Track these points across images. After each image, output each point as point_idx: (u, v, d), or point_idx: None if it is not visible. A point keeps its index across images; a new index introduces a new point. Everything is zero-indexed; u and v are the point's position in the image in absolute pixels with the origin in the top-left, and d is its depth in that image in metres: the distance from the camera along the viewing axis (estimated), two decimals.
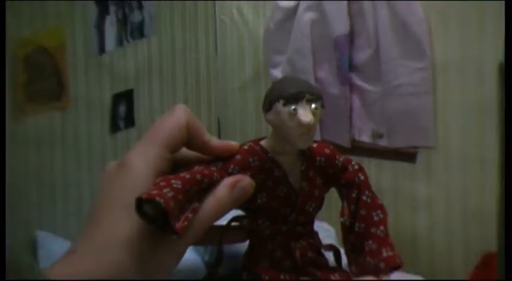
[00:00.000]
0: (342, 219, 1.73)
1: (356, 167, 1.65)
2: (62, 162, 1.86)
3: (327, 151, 1.72)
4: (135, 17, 1.92)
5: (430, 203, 1.87)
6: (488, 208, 1.54)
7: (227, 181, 1.66)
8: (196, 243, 1.69)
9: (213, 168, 1.66)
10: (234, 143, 1.76)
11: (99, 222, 1.67)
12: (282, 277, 1.69)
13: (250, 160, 1.68)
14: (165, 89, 2.03)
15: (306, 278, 1.69)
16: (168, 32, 1.99)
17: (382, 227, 1.72)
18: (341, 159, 1.73)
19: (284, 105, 1.65)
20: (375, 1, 1.82)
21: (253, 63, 2.05)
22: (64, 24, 1.81)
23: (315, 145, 1.67)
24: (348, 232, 1.65)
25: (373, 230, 1.67)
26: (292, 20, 1.89)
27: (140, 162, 1.67)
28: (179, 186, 1.59)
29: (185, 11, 2.04)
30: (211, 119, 2.08)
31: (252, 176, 1.66)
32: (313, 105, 1.65)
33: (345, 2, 1.83)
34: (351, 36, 1.84)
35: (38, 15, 1.85)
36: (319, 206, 1.67)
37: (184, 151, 1.77)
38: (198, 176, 1.63)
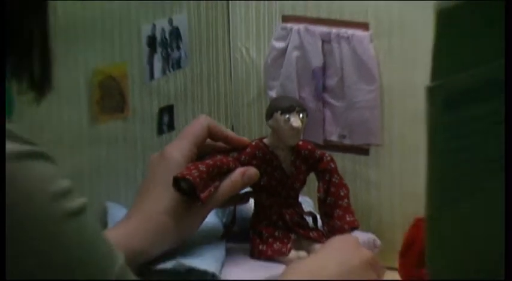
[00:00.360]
0: (318, 194, 1.83)
1: (328, 158, 1.81)
2: (124, 154, 1.87)
3: (309, 146, 1.80)
4: (175, 54, 1.90)
5: (379, 184, 1.87)
6: (420, 188, 1.56)
7: (240, 170, 1.77)
8: (216, 207, 1.80)
9: (230, 158, 1.75)
10: (245, 138, 1.85)
11: (146, 196, 1.76)
12: (276, 233, 1.79)
13: (256, 152, 1.77)
14: (195, 104, 2.01)
15: (292, 235, 1.79)
16: (198, 65, 1.97)
17: (346, 200, 1.82)
18: (318, 152, 1.81)
19: (281, 114, 1.73)
20: (340, 43, 1.81)
21: (257, 87, 2.01)
22: (126, 61, 1.81)
23: (300, 143, 1.79)
24: (322, 204, 1.82)
25: (340, 202, 1.81)
26: (283, 57, 1.90)
27: (175, 153, 1.77)
28: (204, 169, 1.71)
29: (209, 50, 2.00)
30: (228, 126, 2.03)
31: (257, 164, 1.77)
32: (300, 115, 1.73)
33: (320, 43, 1.83)
34: (324, 68, 1.83)
35: (108, 54, 1.82)
36: (302, 185, 1.82)
37: (209, 142, 1.84)
38: (219, 163, 1.73)
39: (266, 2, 1.91)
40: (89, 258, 1.29)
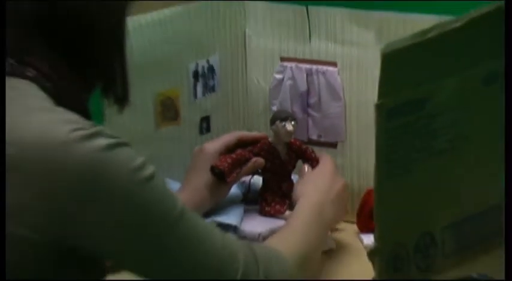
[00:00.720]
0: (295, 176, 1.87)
1: (310, 150, 1.85)
2: (177, 148, 1.90)
3: (298, 143, 1.84)
4: (210, 82, 1.92)
5: (343, 167, 1.87)
6: (370, 169, 1.62)
7: (253, 159, 1.81)
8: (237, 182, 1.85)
9: (246, 151, 1.80)
10: (260, 134, 1.86)
11: (192, 176, 1.79)
12: (276, 199, 1.83)
13: (265, 147, 1.81)
14: (224, 115, 2.00)
15: (287, 200, 1.81)
16: (225, 89, 1.97)
17: None
18: (303, 147, 1.85)
19: (280, 122, 1.78)
20: (318, 75, 1.85)
21: (263, 103, 2.00)
22: (178, 87, 1.86)
23: (292, 140, 1.83)
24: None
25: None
26: (281, 84, 1.92)
27: (210, 148, 1.80)
28: (230, 161, 1.76)
29: (233, 80, 1.99)
30: (245, 129, 2.01)
31: (264, 155, 1.82)
32: (292, 122, 1.78)
33: (305, 76, 1.87)
34: (308, 92, 1.87)
35: (167, 82, 1.85)
36: (293, 168, 1.86)
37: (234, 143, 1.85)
38: (240, 156, 1.79)
39: (269, 47, 1.92)
40: (161, 201, 1.31)
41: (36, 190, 1.25)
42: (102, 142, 1.27)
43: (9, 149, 1.23)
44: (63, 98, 1.32)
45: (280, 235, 1.54)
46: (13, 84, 1.29)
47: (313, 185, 1.70)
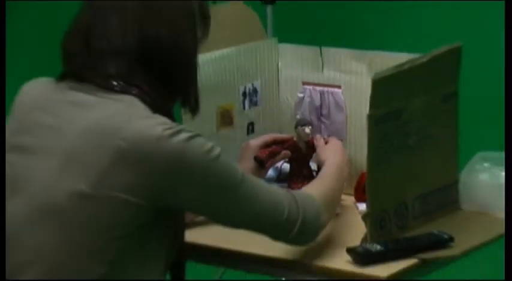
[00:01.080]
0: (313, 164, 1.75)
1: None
2: (233, 144, 1.81)
3: (314, 140, 1.73)
4: (254, 99, 1.87)
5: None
6: (363, 157, 1.56)
7: (283, 152, 1.74)
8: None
9: (278, 147, 1.73)
10: (288, 136, 1.78)
11: (240, 163, 1.69)
12: (300, 179, 1.73)
13: (291, 143, 1.74)
14: (263, 122, 1.90)
15: (307, 181, 1.67)
16: (264, 104, 1.90)
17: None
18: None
19: (301, 127, 1.73)
20: (328, 95, 1.81)
21: (290, 114, 1.88)
22: (233, 102, 1.82)
23: (309, 139, 1.73)
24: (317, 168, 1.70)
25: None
26: (303, 101, 1.86)
27: (253, 144, 1.73)
28: (267, 152, 1.71)
29: (269, 97, 1.90)
30: (277, 131, 1.86)
31: (290, 149, 1.73)
32: (310, 127, 1.72)
33: (319, 95, 1.82)
34: (321, 106, 1.82)
35: (225, 99, 1.80)
36: (310, 158, 1.75)
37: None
38: (273, 150, 1.73)
39: (294, 75, 1.87)
40: (228, 170, 1.34)
41: (141, 170, 1.29)
42: (184, 135, 1.31)
43: (121, 143, 1.28)
44: (157, 108, 1.35)
45: (314, 184, 1.51)
46: (121, 98, 1.33)
47: (332, 152, 1.62)
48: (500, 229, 1.57)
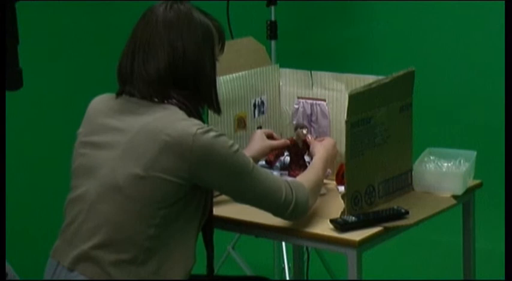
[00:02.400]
0: (307, 157, 1.68)
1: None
2: (246, 143, 1.74)
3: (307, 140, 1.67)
4: (261, 109, 1.84)
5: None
6: (342, 152, 1.54)
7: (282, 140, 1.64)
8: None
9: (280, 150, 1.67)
10: (286, 140, 1.70)
11: (248, 150, 1.61)
12: (297, 168, 1.67)
13: (291, 143, 1.68)
14: (268, 125, 1.84)
15: (302, 169, 1.62)
16: (269, 113, 1.84)
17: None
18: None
19: (299, 129, 1.68)
20: (316, 106, 1.76)
21: (289, 120, 1.84)
22: (246, 111, 1.76)
23: (305, 138, 1.67)
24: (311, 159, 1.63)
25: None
26: (298, 110, 1.82)
27: (258, 132, 1.67)
28: (273, 155, 1.69)
29: (273, 108, 1.84)
30: (279, 135, 1.80)
31: (291, 146, 1.67)
32: (306, 129, 1.68)
33: (309, 106, 1.77)
34: (311, 114, 1.78)
35: (238, 109, 1.75)
36: (305, 153, 1.68)
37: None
38: (277, 152, 1.70)
39: (291, 92, 1.83)
40: (244, 161, 1.36)
41: (180, 158, 1.32)
42: (212, 133, 1.35)
43: (166, 138, 1.31)
44: (190, 113, 1.38)
45: (305, 174, 1.49)
46: (165, 107, 1.36)
47: (321, 148, 1.58)
48: (443, 204, 1.58)
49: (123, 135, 1.30)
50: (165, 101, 1.32)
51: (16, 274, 1.48)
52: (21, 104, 1.85)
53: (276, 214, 1.38)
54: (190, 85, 1.35)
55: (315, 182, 1.46)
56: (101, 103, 1.38)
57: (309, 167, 1.52)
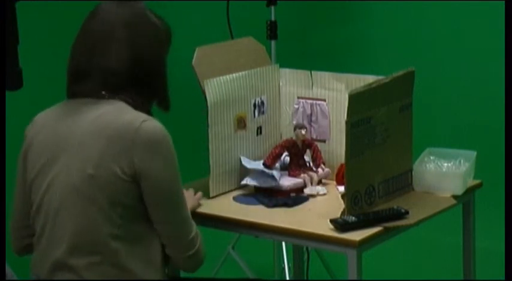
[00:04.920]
0: (310, 157, 1.70)
1: (314, 144, 1.69)
2: (245, 143, 1.73)
3: (307, 140, 1.69)
4: (262, 109, 1.81)
5: (329, 152, 1.73)
6: (342, 152, 1.52)
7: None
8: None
9: (279, 149, 1.64)
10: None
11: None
12: (297, 168, 1.66)
13: (291, 142, 1.67)
14: (268, 126, 1.81)
15: (302, 169, 1.65)
16: (269, 113, 1.81)
17: (320, 156, 1.69)
18: (312, 142, 1.70)
19: (298, 129, 1.68)
20: (316, 106, 1.75)
21: (289, 120, 1.82)
22: (245, 112, 1.73)
23: (304, 138, 1.68)
24: (312, 160, 1.69)
25: (318, 158, 1.69)
26: (298, 110, 1.81)
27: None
28: (271, 158, 1.65)
29: (273, 108, 1.81)
30: (279, 134, 1.84)
31: (290, 147, 1.66)
32: (304, 129, 1.68)
33: (309, 106, 1.76)
34: (311, 114, 1.77)
35: (239, 109, 1.71)
36: (305, 152, 1.69)
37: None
38: (275, 155, 1.64)
39: (292, 91, 1.82)
40: (176, 168, 1.32)
41: (123, 153, 1.26)
42: (157, 125, 1.32)
43: (110, 133, 1.28)
44: (137, 107, 1.35)
45: None
46: (111, 102, 1.31)
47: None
48: (443, 204, 1.58)
49: (73, 138, 1.28)
50: (113, 97, 1.31)
51: (15, 274, 1.47)
52: (21, 104, 1.84)
53: (174, 247, 1.30)
54: (145, 81, 1.33)
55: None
56: (44, 119, 1.35)
57: None
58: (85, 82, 1.31)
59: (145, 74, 1.33)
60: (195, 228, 1.31)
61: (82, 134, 1.27)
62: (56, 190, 1.28)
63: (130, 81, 1.31)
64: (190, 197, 1.50)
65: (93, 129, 1.26)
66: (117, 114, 1.28)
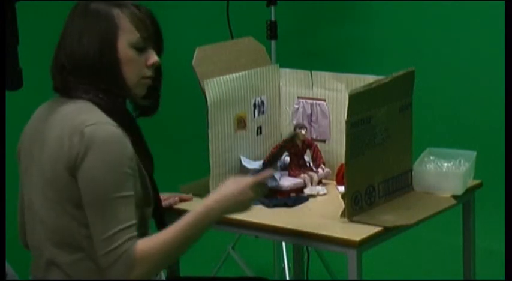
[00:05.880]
0: (310, 156, 1.70)
1: (314, 144, 1.69)
2: (244, 142, 1.72)
3: (307, 140, 1.69)
4: (262, 109, 1.80)
5: (328, 151, 1.72)
6: (342, 152, 1.51)
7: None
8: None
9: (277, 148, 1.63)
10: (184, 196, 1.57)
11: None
12: (297, 168, 1.66)
13: (290, 142, 1.62)
14: (268, 126, 1.80)
15: (302, 169, 1.65)
16: (269, 113, 1.80)
17: (320, 155, 1.69)
18: (312, 142, 1.70)
19: (298, 129, 1.67)
20: (316, 106, 1.74)
21: (289, 120, 1.82)
22: (245, 111, 1.72)
23: (304, 138, 1.68)
24: (312, 159, 1.69)
25: (317, 157, 1.69)
26: (298, 110, 1.79)
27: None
28: (268, 156, 1.63)
29: (273, 108, 1.80)
30: (279, 134, 1.83)
31: (290, 147, 1.65)
32: (304, 129, 1.68)
33: (309, 106, 1.75)
34: (311, 114, 1.77)
35: (239, 109, 1.70)
36: (305, 152, 1.68)
37: None
38: (273, 154, 1.61)
39: (292, 91, 1.81)
40: (121, 183, 1.23)
41: (69, 153, 1.22)
42: (101, 125, 1.23)
43: (61, 133, 1.24)
44: (105, 106, 1.27)
45: (163, 235, 1.23)
46: (76, 102, 1.27)
47: (218, 194, 1.30)
48: (443, 204, 1.58)
49: (41, 139, 1.27)
50: (79, 96, 1.27)
51: (16, 273, 1.46)
52: (21, 104, 1.83)
53: (95, 242, 1.19)
54: (95, 76, 1.28)
55: (168, 248, 1.20)
56: (32, 117, 1.35)
57: (177, 222, 1.24)
58: (53, 77, 1.30)
59: (89, 67, 1.27)
60: (124, 239, 1.17)
61: (48, 133, 1.26)
62: (31, 190, 1.28)
63: (91, 82, 1.27)
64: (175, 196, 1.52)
65: (54, 130, 1.25)
66: (74, 116, 1.24)
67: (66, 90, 1.28)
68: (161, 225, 1.34)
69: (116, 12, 1.27)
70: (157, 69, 1.32)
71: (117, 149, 1.20)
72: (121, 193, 1.19)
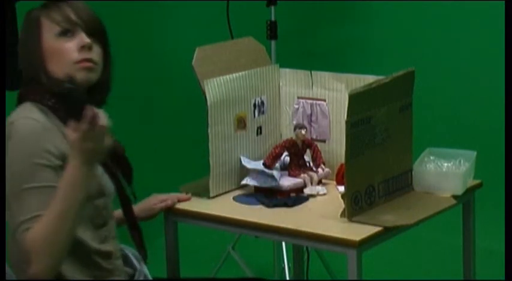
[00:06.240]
0: (310, 156, 1.69)
1: (314, 144, 1.69)
2: (245, 142, 1.73)
3: (307, 140, 1.69)
4: (262, 109, 1.80)
5: (328, 151, 1.72)
6: (342, 151, 1.51)
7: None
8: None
9: (278, 149, 1.64)
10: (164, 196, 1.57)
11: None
12: (297, 168, 1.66)
13: (291, 142, 1.66)
14: (269, 126, 1.81)
15: (302, 169, 1.65)
16: (269, 113, 1.81)
17: (320, 155, 1.69)
18: (312, 142, 1.70)
19: (298, 129, 1.67)
20: (317, 106, 1.75)
21: (289, 120, 1.82)
22: (245, 111, 1.71)
23: (304, 138, 1.68)
24: (312, 159, 1.69)
25: (318, 158, 1.69)
26: (298, 110, 1.80)
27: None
28: (270, 158, 1.65)
29: (273, 108, 1.81)
30: (279, 134, 1.83)
31: (290, 147, 1.65)
32: (304, 129, 1.67)
33: (309, 106, 1.76)
34: (311, 114, 1.77)
35: (239, 109, 1.70)
36: (305, 152, 1.68)
37: None
38: (274, 156, 1.63)
39: (292, 91, 1.81)
40: (34, 174, 1.25)
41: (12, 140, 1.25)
42: (23, 119, 1.28)
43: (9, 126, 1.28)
44: (50, 108, 1.30)
45: (45, 222, 1.19)
46: (21, 105, 1.33)
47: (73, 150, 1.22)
48: (443, 204, 1.58)
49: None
50: (26, 99, 1.31)
51: (14, 274, 1.45)
52: None
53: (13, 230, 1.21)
54: (33, 79, 1.32)
55: (54, 223, 1.16)
56: None
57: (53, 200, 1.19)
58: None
59: (25, 70, 1.34)
60: (21, 226, 1.17)
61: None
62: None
63: (31, 83, 1.33)
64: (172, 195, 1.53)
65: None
66: (11, 116, 1.30)
67: (19, 97, 1.35)
68: (133, 226, 1.39)
69: (37, 15, 1.33)
70: (94, 50, 1.31)
71: (30, 141, 1.21)
72: (30, 183, 1.19)
